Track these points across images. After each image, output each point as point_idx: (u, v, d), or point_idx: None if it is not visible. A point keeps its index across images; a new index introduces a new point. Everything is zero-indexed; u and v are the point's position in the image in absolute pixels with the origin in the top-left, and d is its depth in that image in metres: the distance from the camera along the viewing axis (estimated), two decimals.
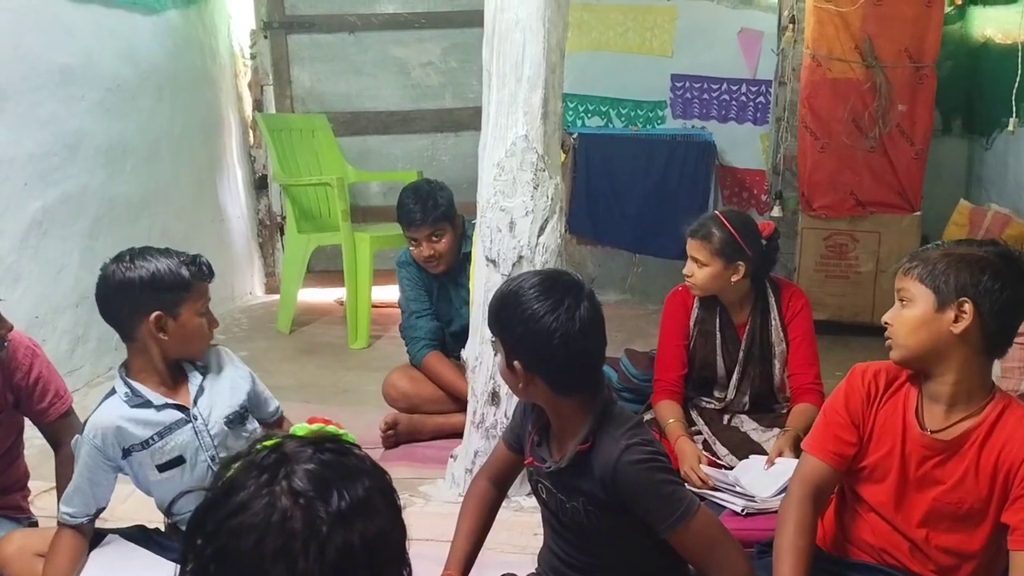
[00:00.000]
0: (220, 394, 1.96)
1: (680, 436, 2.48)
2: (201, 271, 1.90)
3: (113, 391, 1.90)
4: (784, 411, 2.62)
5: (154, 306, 1.83)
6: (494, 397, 2.43)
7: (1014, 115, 3.80)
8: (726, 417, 2.66)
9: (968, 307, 1.53)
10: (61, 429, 2.04)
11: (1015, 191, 4.10)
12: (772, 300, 2.63)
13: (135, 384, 1.89)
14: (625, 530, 1.61)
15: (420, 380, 2.98)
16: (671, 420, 2.54)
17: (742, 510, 2.19)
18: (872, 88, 3.88)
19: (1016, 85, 3.77)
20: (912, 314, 1.59)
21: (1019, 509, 1.52)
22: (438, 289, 3.08)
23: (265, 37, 4.92)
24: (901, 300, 1.62)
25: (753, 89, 4.73)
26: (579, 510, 1.61)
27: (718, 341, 2.65)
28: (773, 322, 2.62)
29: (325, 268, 4.73)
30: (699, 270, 2.54)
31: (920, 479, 1.62)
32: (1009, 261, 1.56)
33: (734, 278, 2.53)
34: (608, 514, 1.59)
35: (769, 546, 1.71)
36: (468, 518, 1.78)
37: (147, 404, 1.87)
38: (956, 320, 1.54)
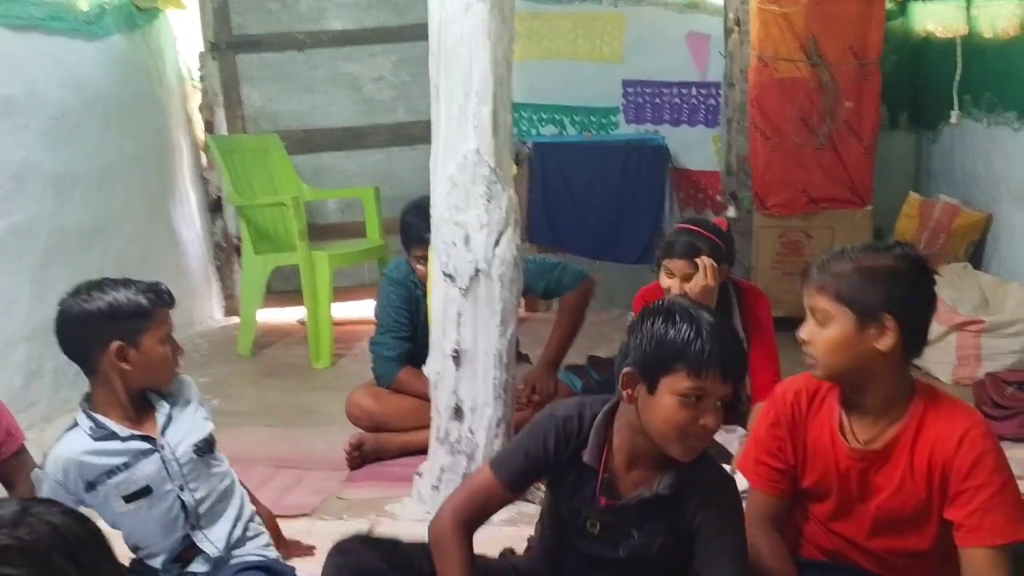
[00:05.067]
0: (188, 423, 1.95)
1: None
2: (161, 298, 1.89)
3: (75, 424, 1.87)
4: (746, 409, 2.65)
5: (114, 336, 1.82)
6: (458, 412, 2.42)
7: (956, 107, 3.89)
8: None
9: (891, 322, 1.51)
10: (13, 468, 2.00)
11: (963, 181, 4.19)
12: (734, 300, 2.67)
13: (99, 417, 1.86)
14: (679, 564, 1.60)
15: (384, 398, 2.96)
16: None
17: None
18: (819, 86, 3.95)
19: (957, 78, 3.86)
20: (832, 334, 1.54)
21: (960, 506, 1.52)
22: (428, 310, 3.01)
23: (213, 58, 4.86)
24: (816, 318, 1.56)
25: (703, 92, 4.78)
26: (648, 544, 1.58)
27: None
28: (735, 323, 2.66)
29: (285, 288, 4.67)
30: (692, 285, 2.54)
31: (861, 491, 1.62)
32: (918, 264, 1.55)
33: (716, 282, 2.57)
34: (680, 546, 1.58)
35: None
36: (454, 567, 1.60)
37: (112, 436, 1.85)
38: (880, 336, 1.52)
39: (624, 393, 1.55)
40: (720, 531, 1.56)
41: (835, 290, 1.53)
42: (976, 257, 3.96)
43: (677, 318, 1.51)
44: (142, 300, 1.84)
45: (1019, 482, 2.32)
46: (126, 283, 1.86)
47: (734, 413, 2.68)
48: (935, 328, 3.31)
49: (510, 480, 1.65)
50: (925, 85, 4.56)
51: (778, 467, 1.67)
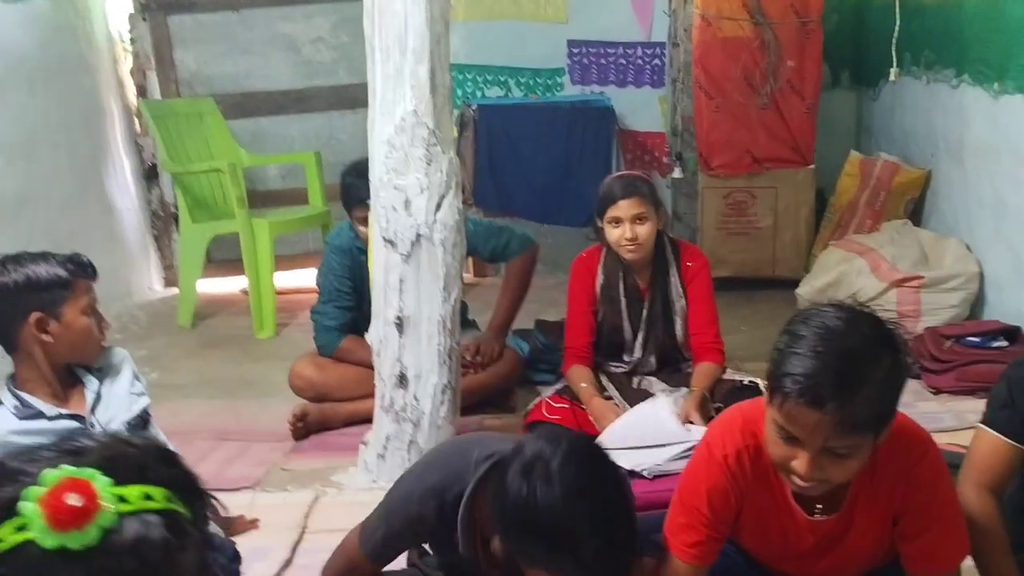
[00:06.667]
0: (119, 398, 1.89)
1: (594, 397, 2.55)
2: (81, 269, 1.84)
3: None
4: (690, 370, 2.66)
5: (33, 308, 1.77)
6: (402, 379, 2.38)
7: (895, 65, 3.91)
8: (635, 380, 2.69)
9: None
10: None
11: (903, 139, 4.23)
12: (671, 259, 2.67)
13: (24, 395, 1.81)
14: None
15: (327, 367, 2.91)
16: (583, 384, 2.60)
17: (650, 474, 2.20)
18: (762, 46, 3.93)
19: (896, 35, 3.88)
20: (857, 463, 1.36)
21: (913, 538, 1.47)
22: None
23: (144, 19, 4.68)
24: (837, 454, 1.33)
25: (648, 52, 4.74)
26: None
27: (623, 305, 2.68)
28: (673, 279, 2.68)
29: (226, 257, 4.57)
30: (642, 227, 2.56)
31: (819, 549, 1.53)
32: (895, 339, 1.41)
33: (660, 226, 2.64)
34: None
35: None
36: None
37: (39, 415, 1.80)
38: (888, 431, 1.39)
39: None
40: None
41: (857, 422, 1.31)
42: (916, 214, 4.01)
43: (545, 519, 1.30)
44: (60, 271, 1.80)
45: (958, 433, 2.42)
46: (45, 256, 1.82)
47: (679, 374, 2.69)
48: (875, 284, 3.39)
49: (374, 555, 1.64)
50: (866, 43, 4.58)
51: (715, 536, 1.50)
